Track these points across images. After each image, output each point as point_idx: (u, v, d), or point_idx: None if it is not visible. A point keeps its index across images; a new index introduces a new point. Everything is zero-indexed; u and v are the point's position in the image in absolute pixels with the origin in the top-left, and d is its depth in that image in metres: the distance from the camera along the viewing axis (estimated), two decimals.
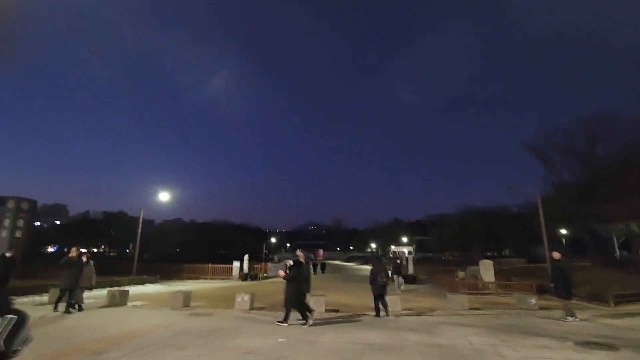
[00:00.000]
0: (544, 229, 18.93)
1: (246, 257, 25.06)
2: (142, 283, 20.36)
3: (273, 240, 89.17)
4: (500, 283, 17.07)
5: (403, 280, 18.84)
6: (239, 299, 10.76)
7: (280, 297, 14.81)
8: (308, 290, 9.77)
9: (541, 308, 12.00)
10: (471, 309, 11.81)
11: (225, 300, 12.68)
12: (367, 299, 14.03)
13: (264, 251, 57.51)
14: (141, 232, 22.14)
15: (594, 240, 31.20)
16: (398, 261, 19.94)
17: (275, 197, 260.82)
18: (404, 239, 66.35)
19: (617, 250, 34.85)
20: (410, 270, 25.62)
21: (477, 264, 20.31)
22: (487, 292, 16.63)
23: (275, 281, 23.99)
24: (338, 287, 19.96)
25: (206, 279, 25.06)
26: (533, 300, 12.13)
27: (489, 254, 52.74)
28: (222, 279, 25.13)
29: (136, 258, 21.47)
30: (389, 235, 79.31)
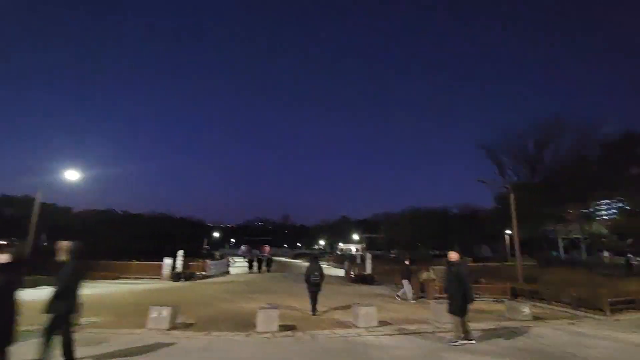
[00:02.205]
0: (515, 229, 17.69)
1: (180, 253, 21.05)
2: (35, 285, 15.58)
3: (217, 235, 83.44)
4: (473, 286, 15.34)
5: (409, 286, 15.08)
6: (153, 314, 7.34)
7: (221, 306, 11.55)
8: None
9: (535, 318, 10.22)
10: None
11: (139, 313, 9.04)
12: (326, 305, 11.42)
13: (204, 247, 52.52)
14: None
15: (541, 240, 31.92)
16: (407, 262, 15.95)
17: (221, 191, 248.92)
18: (354, 237, 65.29)
19: (561, 250, 36.49)
20: (368, 270, 23.53)
21: (428, 262, 18.76)
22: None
23: (216, 282, 20.35)
24: (289, 290, 16.97)
25: (129, 279, 20.64)
26: (526, 310, 10.28)
27: (436, 252, 53.42)
28: (150, 278, 20.89)
29: (29, 253, 16.57)
30: (337, 232, 78.20)
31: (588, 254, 33.11)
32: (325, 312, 10.68)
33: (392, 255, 55.74)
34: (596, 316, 10.54)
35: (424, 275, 19.81)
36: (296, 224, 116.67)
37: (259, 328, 7.56)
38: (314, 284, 10.29)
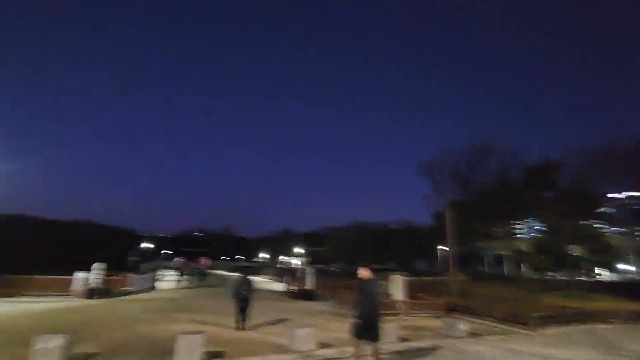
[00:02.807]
0: (451, 245, 18.30)
1: (97, 265, 18.46)
2: None
3: (148, 245, 76.66)
4: (410, 302, 15.41)
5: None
6: (39, 345, 5.88)
7: (139, 328, 9.99)
8: None
9: (471, 334, 10.30)
10: (401, 338, 9.31)
11: (27, 342, 7.29)
12: (262, 325, 10.49)
13: (131, 258, 47.65)
14: None
15: (471, 256, 34.01)
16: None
17: (156, 198, 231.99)
18: (297, 250, 64.32)
19: (486, 265, 39.23)
20: (309, 284, 22.77)
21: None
22: (397, 312, 14.72)
23: (139, 299, 18.09)
24: (223, 307, 15.59)
25: (32, 296, 17.51)
26: (463, 326, 10.33)
27: (376, 266, 54.64)
28: (59, 295, 17.93)
29: None
30: (280, 245, 76.59)
31: (510, 269, 36.03)
32: (260, 332, 9.74)
33: (334, 269, 55.82)
34: (524, 331, 10.95)
35: None
36: (238, 235, 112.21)
37: (179, 357, 6.45)
38: (243, 298, 9.89)
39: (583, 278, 20.46)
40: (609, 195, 36.69)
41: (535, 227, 29.46)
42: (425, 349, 8.59)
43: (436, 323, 12.16)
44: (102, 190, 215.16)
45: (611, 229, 27.79)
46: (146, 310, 13.43)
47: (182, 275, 28.88)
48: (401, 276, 16.73)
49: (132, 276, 20.89)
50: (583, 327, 11.78)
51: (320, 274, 33.32)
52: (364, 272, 6.64)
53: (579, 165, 36.25)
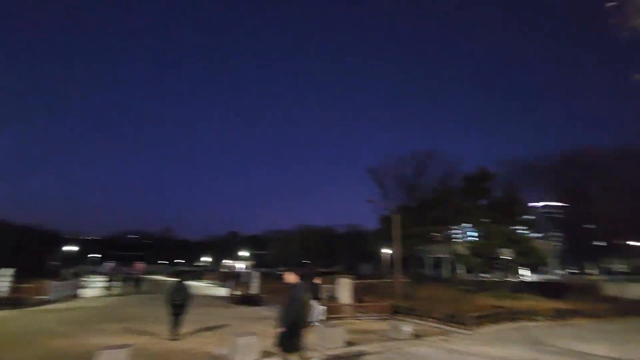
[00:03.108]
0: (397, 248, 18.73)
1: (5, 272, 16.00)
2: None
3: (74, 248, 69.04)
4: (357, 305, 15.42)
5: (324, 308, 13.43)
6: None
7: (53, 344, 8.62)
8: None
9: (415, 336, 10.45)
10: (347, 343, 9.13)
11: None
12: (201, 333, 9.67)
13: (53, 263, 42.55)
14: None
15: (414, 259, 35.49)
16: (317, 281, 13.89)
17: (83, 196, 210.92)
18: (242, 253, 62.42)
19: (426, 267, 41.17)
20: (254, 289, 21.98)
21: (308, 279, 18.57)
22: (344, 315, 14.62)
23: (58, 309, 15.92)
24: (157, 315, 14.29)
25: None
26: (408, 328, 10.44)
27: (323, 270, 54.86)
28: None
29: None
30: (224, 248, 73.85)
31: (448, 271, 38.25)
32: (197, 342, 8.94)
33: (279, 273, 55.01)
34: (462, 331, 11.38)
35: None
36: (178, 238, 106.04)
37: None
38: (177, 305, 9.26)
39: (510, 279, 22.20)
40: (530, 204, 40.80)
41: (471, 232, 31.65)
42: (371, 352, 8.48)
43: (382, 325, 12.23)
44: (18, 184, 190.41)
45: (533, 234, 30.75)
46: (63, 322, 11.79)
47: (111, 281, 26.30)
48: (348, 279, 16.71)
49: (50, 283, 18.40)
50: (513, 324, 12.60)
51: (266, 278, 32.48)
52: (290, 277, 5.95)
53: (509, 176, 39.82)
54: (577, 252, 42.60)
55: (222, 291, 25.88)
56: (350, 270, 51.86)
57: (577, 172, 39.26)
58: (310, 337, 10.12)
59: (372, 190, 48.43)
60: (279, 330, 5.38)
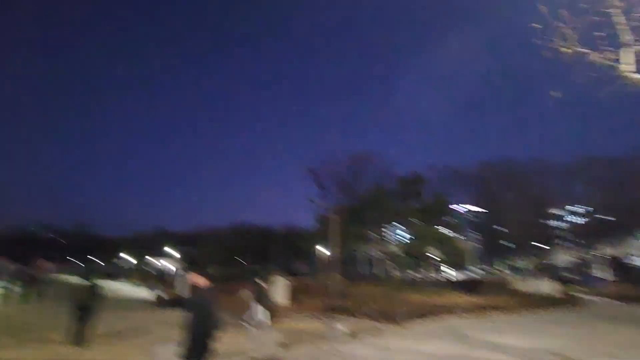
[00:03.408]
0: (337, 247, 18.76)
1: None
2: None
3: None
4: (293, 305, 15.07)
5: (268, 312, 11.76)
6: None
7: None
8: None
9: (349, 334, 10.38)
10: (282, 344, 8.69)
11: None
12: (116, 343, 8.46)
13: None
14: None
15: (349, 258, 36.33)
16: (261, 281, 12.74)
17: None
18: (170, 251, 58.38)
19: (360, 266, 42.50)
20: (183, 291, 20.38)
21: (251, 280, 17.97)
22: (278, 316, 14.13)
23: None
24: (60, 324, 12.33)
25: None
26: (342, 327, 10.34)
27: (255, 267, 53.68)
28: None
29: None
30: (150, 245, 68.41)
31: (380, 270, 39.95)
32: (109, 351, 7.80)
33: (212, 273, 52.66)
34: (394, 327, 11.67)
35: (245, 294, 18.58)
36: (95, 233, 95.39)
37: None
38: (83, 308, 8.50)
39: (436, 276, 23.76)
40: (455, 208, 44.45)
41: (403, 232, 33.48)
42: (305, 355, 8.17)
43: (317, 325, 12.02)
44: None
45: (456, 235, 33.48)
46: None
47: (9, 284, 22.48)
48: (283, 279, 16.28)
49: None
50: (439, 319, 13.29)
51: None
52: (197, 280, 5.19)
53: (438, 181, 42.81)
54: (490, 252, 47.42)
55: (145, 293, 23.71)
56: (286, 270, 51.62)
57: (494, 180, 43.68)
58: (240, 342, 9.51)
59: (311, 189, 48.68)
60: (183, 341, 4.72)
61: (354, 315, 13.85)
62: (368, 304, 14.62)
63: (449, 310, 14.48)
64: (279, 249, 55.83)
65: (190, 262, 55.31)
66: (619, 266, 44.42)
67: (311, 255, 50.35)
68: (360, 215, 31.67)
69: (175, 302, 18.69)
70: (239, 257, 53.78)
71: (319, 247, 41.79)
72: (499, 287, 23.05)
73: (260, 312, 12.56)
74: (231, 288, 21.36)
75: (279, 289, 15.79)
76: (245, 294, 18.52)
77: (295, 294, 18.06)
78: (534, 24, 8.62)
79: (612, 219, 39.24)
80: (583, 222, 42.20)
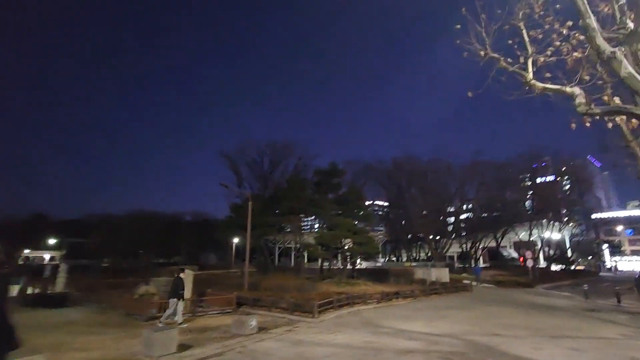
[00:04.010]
0: (249, 237, 17.76)
1: None
2: None
3: None
4: (197, 299, 13.67)
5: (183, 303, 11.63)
6: None
7: None
8: None
9: (260, 329, 9.67)
10: (181, 346, 7.55)
11: None
12: None
13: None
14: None
15: (262, 248, 35.28)
16: (181, 275, 11.85)
17: None
18: (51, 241, 49.79)
19: (275, 257, 41.78)
20: (60, 285, 17.26)
21: (152, 272, 16.20)
22: (183, 312, 12.69)
23: None
24: None
25: None
26: (253, 322, 9.56)
27: (161, 260, 49.02)
28: None
29: None
30: (24, 234, 57.35)
31: (296, 260, 39.87)
32: None
33: (106, 265, 46.50)
34: (308, 319, 11.30)
35: (142, 290, 16.45)
36: None
37: None
38: None
39: (349, 267, 24.37)
40: (367, 201, 46.77)
41: (319, 223, 33.75)
42: (209, 355, 7.20)
43: (226, 320, 11.03)
44: None
45: (368, 227, 35.12)
46: None
47: None
48: (188, 270, 14.73)
49: None
50: (351, 309, 13.42)
51: (82, 272, 26.34)
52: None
53: (353, 174, 44.33)
54: (396, 243, 51.26)
55: (12, 289, 19.42)
56: (194, 261, 48.25)
57: (402, 177, 47.09)
58: (130, 344, 8.05)
59: (227, 177, 46.21)
60: None
61: (267, 309, 13.16)
62: (282, 296, 14.07)
63: (360, 299, 14.76)
64: (188, 240, 51.93)
65: (75, 253, 48.01)
66: (494, 255, 52.21)
67: (223, 246, 47.94)
68: (276, 204, 30.89)
69: (48, 299, 15.58)
70: (141, 248, 48.43)
71: (231, 238, 39.96)
72: (404, 276, 24.72)
73: (174, 308, 11.12)
74: (128, 283, 18.82)
75: (186, 282, 14.20)
76: (144, 289, 16.41)
77: (205, 288, 16.61)
78: (456, 25, 8.88)
79: (494, 214, 45.68)
80: (471, 218, 48.33)
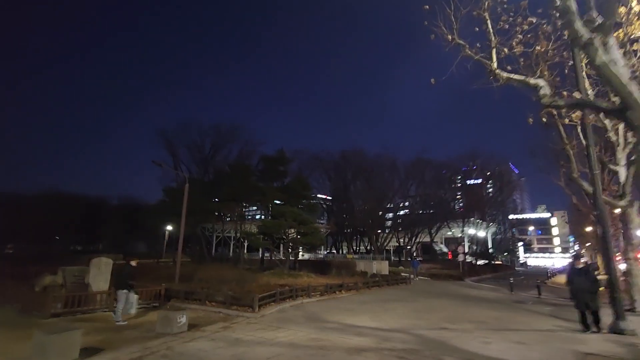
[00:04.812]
0: (183, 223, 16.02)
1: None
2: None
3: None
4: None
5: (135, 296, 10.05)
6: None
7: None
8: None
9: (191, 326, 8.42)
10: (86, 350, 6.07)
11: None
12: None
13: None
14: None
15: (199, 237, 33.01)
16: (133, 263, 10.37)
17: None
18: None
19: (214, 246, 39.32)
20: None
21: (64, 262, 13.94)
22: (95, 307, 10.83)
23: None
24: None
25: None
26: (182, 319, 8.27)
27: (79, 248, 43.79)
28: None
29: None
30: None
31: (235, 250, 37.98)
32: None
33: (9, 252, 40.08)
34: (247, 314, 10.25)
35: (47, 280, 13.99)
36: None
37: None
38: None
39: (291, 258, 23.56)
40: (312, 192, 46.37)
41: (262, 212, 32.35)
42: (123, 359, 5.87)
43: (151, 317, 9.55)
44: None
45: (312, 218, 34.64)
46: None
47: None
48: (106, 259, 12.76)
49: None
50: (294, 302, 12.59)
51: None
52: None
53: (300, 164, 43.46)
54: (339, 235, 51.66)
55: None
56: (120, 249, 43.81)
57: (348, 169, 47.40)
58: (17, 349, 6.34)
59: (161, 159, 42.48)
60: None
61: (201, 302, 11.79)
62: (218, 288, 12.79)
63: (303, 291, 14.01)
64: (114, 226, 47.01)
65: None
66: (426, 250, 55.29)
67: (155, 234, 44.13)
68: (216, 190, 28.93)
69: None
70: (56, 234, 42.71)
71: (164, 225, 36.79)
72: (346, 268, 24.61)
73: (124, 300, 9.26)
74: (30, 272, 15.96)
75: (99, 272, 12.21)
76: (49, 279, 13.98)
77: (127, 279, 14.60)
78: (425, 6, 8.34)
79: (431, 211, 48.11)
80: (410, 213, 50.45)
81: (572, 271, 8.24)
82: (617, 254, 13.23)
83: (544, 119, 8.26)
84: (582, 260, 8.40)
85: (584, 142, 12.92)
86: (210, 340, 7.43)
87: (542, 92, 7.29)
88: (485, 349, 6.81)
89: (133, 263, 10.13)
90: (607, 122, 11.95)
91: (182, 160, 38.12)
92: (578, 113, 8.40)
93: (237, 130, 38.86)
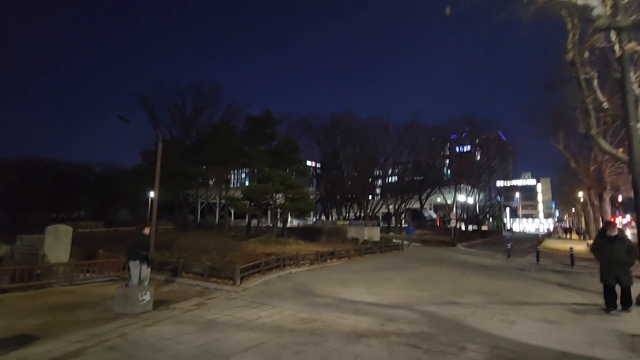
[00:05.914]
0: (157, 187, 14.41)
1: None
2: None
3: None
4: (79, 263, 10.32)
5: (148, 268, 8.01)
6: None
7: None
8: None
9: (159, 303, 7.14)
10: (13, 339, 4.69)
11: None
12: None
13: None
14: None
15: (182, 204, 31.46)
16: (145, 231, 8.33)
17: None
18: None
19: (198, 214, 37.93)
20: None
21: (38, 231, 12.38)
22: (53, 281, 9.41)
23: None
24: None
25: None
26: (146, 296, 6.93)
27: (54, 215, 41.86)
28: None
29: None
30: None
31: (220, 217, 36.64)
32: None
33: None
34: (226, 287, 9.01)
35: (2, 250, 12.51)
36: None
37: None
38: None
39: (279, 224, 22.39)
40: (302, 156, 44.74)
41: (248, 176, 30.80)
42: (60, 356, 4.49)
43: (112, 291, 8.17)
44: None
45: (302, 183, 33.31)
46: None
47: None
48: (67, 227, 11.22)
49: None
50: (281, 273, 11.44)
51: None
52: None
53: (289, 128, 41.40)
54: (327, 202, 50.71)
55: None
56: (101, 217, 42.06)
57: (338, 134, 45.58)
58: None
59: (140, 121, 39.86)
60: None
61: (176, 274, 10.49)
62: (197, 258, 11.50)
63: (293, 261, 12.85)
64: (93, 193, 44.97)
65: None
66: (416, 216, 55.16)
67: (137, 200, 42.33)
68: (199, 153, 27.07)
69: None
70: (30, 201, 40.50)
71: (145, 191, 34.97)
72: (336, 235, 23.66)
73: (138, 272, 7.55)
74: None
75: (60, 242, 10.70)
76: (4, 249, 12.49)
77: (96, 249, 13.19)
78: None
79: (422, 177, 47.20)
80: (401, 179, 49.56)
81: (603, 239, 7.06)
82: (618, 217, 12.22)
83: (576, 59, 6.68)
84: (615, 226, 7.22)
85: (601, 98, 11.58)
86: (177, 322, 6.13)
87: (595, 12, 5.70)
88: (511, 330, 5.69)
89: (146, 231, 8.32)
90: None
91: (163, 122, 35.65)
92: (633, 44, 6.84)
93: (218, 91, 36.26)
